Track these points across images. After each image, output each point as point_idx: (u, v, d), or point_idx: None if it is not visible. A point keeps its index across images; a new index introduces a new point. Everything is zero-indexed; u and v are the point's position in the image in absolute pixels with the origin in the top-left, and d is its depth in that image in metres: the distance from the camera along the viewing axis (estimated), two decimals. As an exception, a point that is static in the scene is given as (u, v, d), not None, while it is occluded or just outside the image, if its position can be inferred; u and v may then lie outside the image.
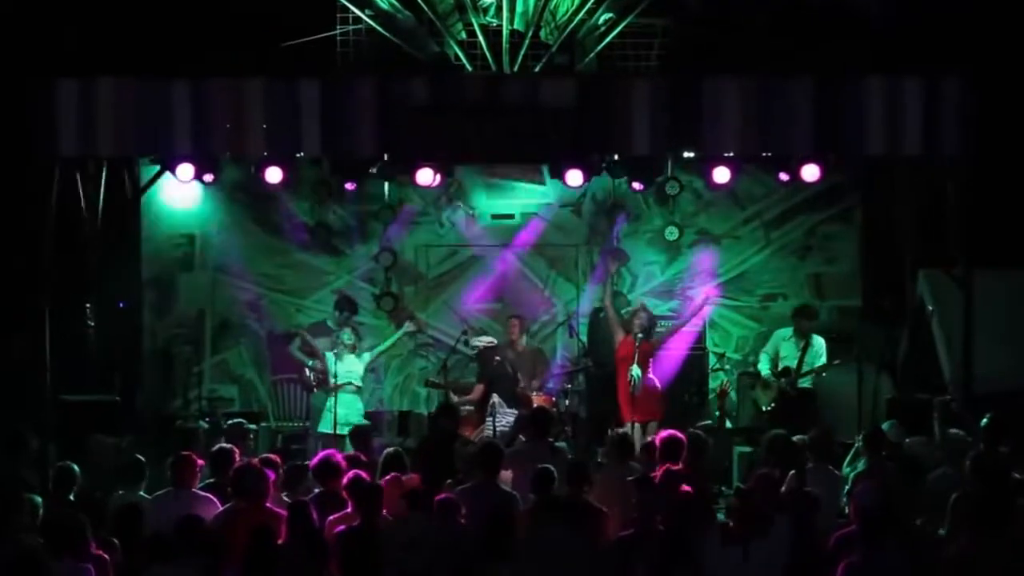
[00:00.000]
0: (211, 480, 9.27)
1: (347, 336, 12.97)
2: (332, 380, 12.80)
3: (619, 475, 9.31)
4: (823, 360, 13.08)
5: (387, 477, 8.94)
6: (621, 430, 11.28)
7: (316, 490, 9.12)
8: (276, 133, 11.99)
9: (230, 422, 11.52)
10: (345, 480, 8.57)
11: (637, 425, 12.41)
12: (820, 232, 14.70)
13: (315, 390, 13.22)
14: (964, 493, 8.00)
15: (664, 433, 9.53)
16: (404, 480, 9.01)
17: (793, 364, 12.95)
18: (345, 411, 12.69)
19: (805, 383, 12.92)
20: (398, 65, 12.93)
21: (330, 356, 13.02)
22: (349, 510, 8.43)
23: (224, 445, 9.59)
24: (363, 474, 8.65)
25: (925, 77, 11.96)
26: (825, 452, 9.63)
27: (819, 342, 13.14)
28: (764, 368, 13.17)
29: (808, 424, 11.68)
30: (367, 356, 13.17)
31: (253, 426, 11.87)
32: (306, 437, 13.39)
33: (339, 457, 9.14)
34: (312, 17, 13.20)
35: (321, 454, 9.31)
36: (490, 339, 13.33)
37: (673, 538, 7.76)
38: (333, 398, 12.73)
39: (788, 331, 13.31)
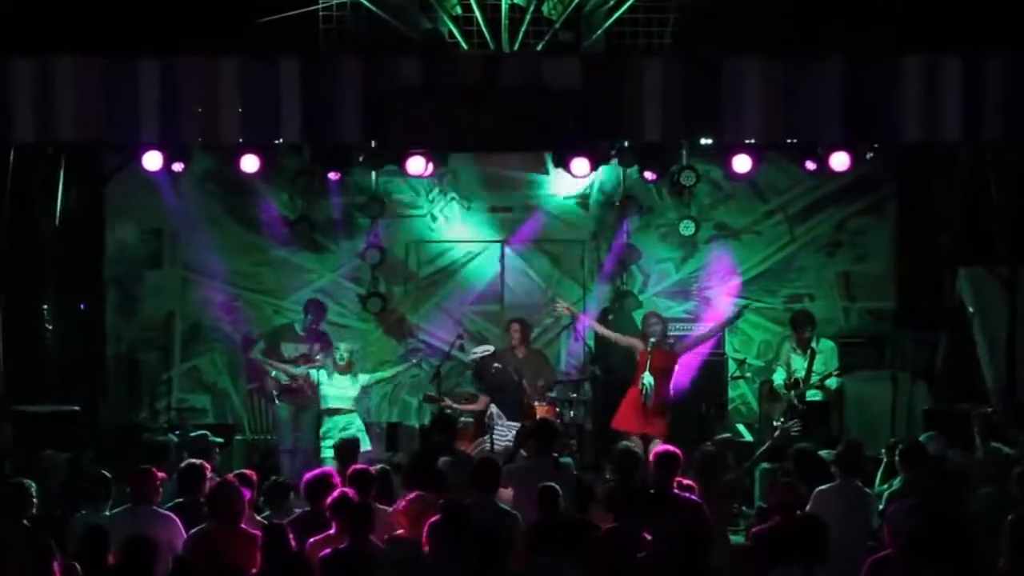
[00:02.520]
0: (179, 499, 9.24)
1: (341, 355, 12.95)
2: (323, 402, 12.85)
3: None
4: (834, 367, 12.99)
5: (411, 496, 8.90)
6: (626, 443, 11.26)
7: (298, 510, 9.10)
8: (253, 118, 11.98)
9: (192, 435, 11.51)
10: (330, 499, 8.53)
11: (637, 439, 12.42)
12: (850, 226, 14.69)
13: (276, 401, 13.27)
14: (1020, 515, 7.93)
15: (659, 448, 9.53)
16: (430, 498, 8.95)
17: (802, 375, 12.91)
18: (342, 434, 12.67)
19: (814, 395, 12.87)
20: (387, 43, 12.91)
21: (316, 373, 12.98)
22: (332, 532, 8.40)
23: (193, 460, 9.56)
24: (350, 492, 8.62)
25: (965, 57, 11.95)
26: (854, 467, 9.60)
27: (827, 347, 13.09)
28: (777, 379, 13.15)
29: (820, 438, 11.67)
30: (365, 378, 13.15)
31: (219, 439, 11.84)
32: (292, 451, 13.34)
33: (335, 476, 9.10)
34: (293, -10, 13.20)
35: (316, 471, 9.30)
36: (486, 347, 13.31)
37: (681, 561, 7.73)
38: (325, 419, 12.78)
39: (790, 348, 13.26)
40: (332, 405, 12.89)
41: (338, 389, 12.92)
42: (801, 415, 12.66)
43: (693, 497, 9.15)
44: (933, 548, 7.53)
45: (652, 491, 9.04)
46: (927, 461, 9.88)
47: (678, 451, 9.34)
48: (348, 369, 12.96)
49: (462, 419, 12.90)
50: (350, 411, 12.95)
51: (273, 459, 13.39)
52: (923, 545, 7.51)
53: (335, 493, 8.60)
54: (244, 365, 14.44)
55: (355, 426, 12.84)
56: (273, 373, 13.27)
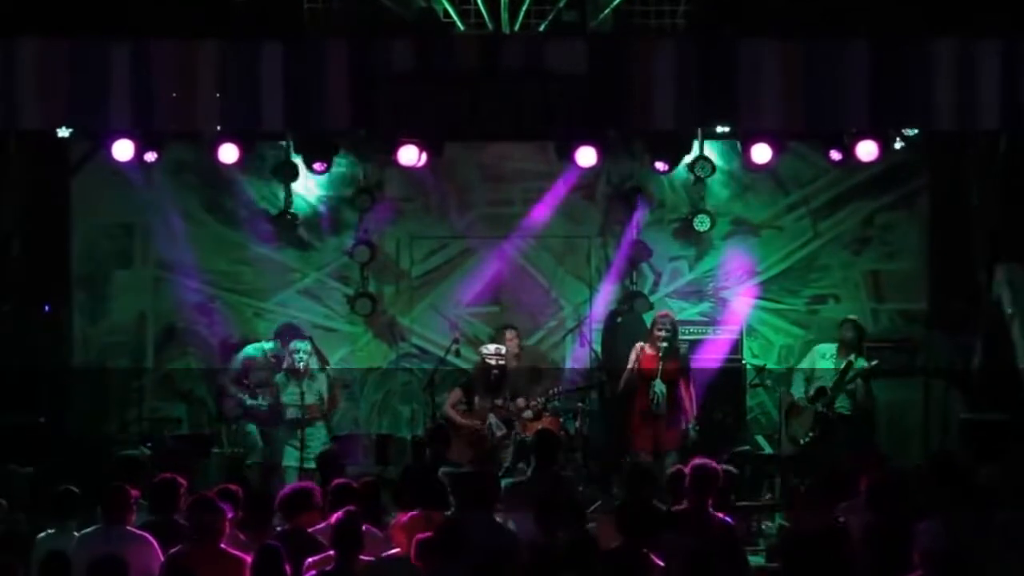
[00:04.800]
0: (152, 518, 9.31)
1: (299, 358, 13.06)
2: (290, 410, 12.93)
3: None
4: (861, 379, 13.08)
5: (413, 513, 9.00)
6: (639, 459, 11.37)
7: (279, 528, 9.18)
8: (232, 105, 12.07)
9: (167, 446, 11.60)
10: (335, 519, 8.54)
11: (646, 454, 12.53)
12: (879, 221, 14.75)
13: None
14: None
15: (696, 461, 9.61)
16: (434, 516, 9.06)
17: (828, 383, 12.98)
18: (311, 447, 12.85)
19: (843, 407, 12.95)
20: (376, 24, 12.98)
21: (280, 378, 13.12)
22: (333, 553, 8.44)
23: (166, 475, 9.63)
24: (353, 509, 8.68)
25: (1003, 38, 12.03)
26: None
27: (862, 366, 13.15)
28: (798, 391, 13.22)
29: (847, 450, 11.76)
30: (323, 380, 13.28)
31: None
32: (269, 466, 13.44)
33: (315, 489, 9.18)
34: (275, -33, 13.29)
35: (293, 485, 9.37)
36: (499, 347, 13.36)
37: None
38: (300, 431, 12.88)
39: (829, 348, 13.31)
40: (293, 415, 12.96)
41: (296, 397, 12.98)
42: (832, 426, 12.72)
43: (727, 518, 9.25)
44: (964, 570, 7.62)
45: (684, 510, 9.13)
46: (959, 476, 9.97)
47: (716, 466, 9.44)
48: (305, 374, 13.06)
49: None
50: (314, 420, 13.03)
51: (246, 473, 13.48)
52: (953, 567, 7.60)
53: (339, 514, 8.62)
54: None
55: (320, 438, 12.95)
56: (248, 402, 13.39)
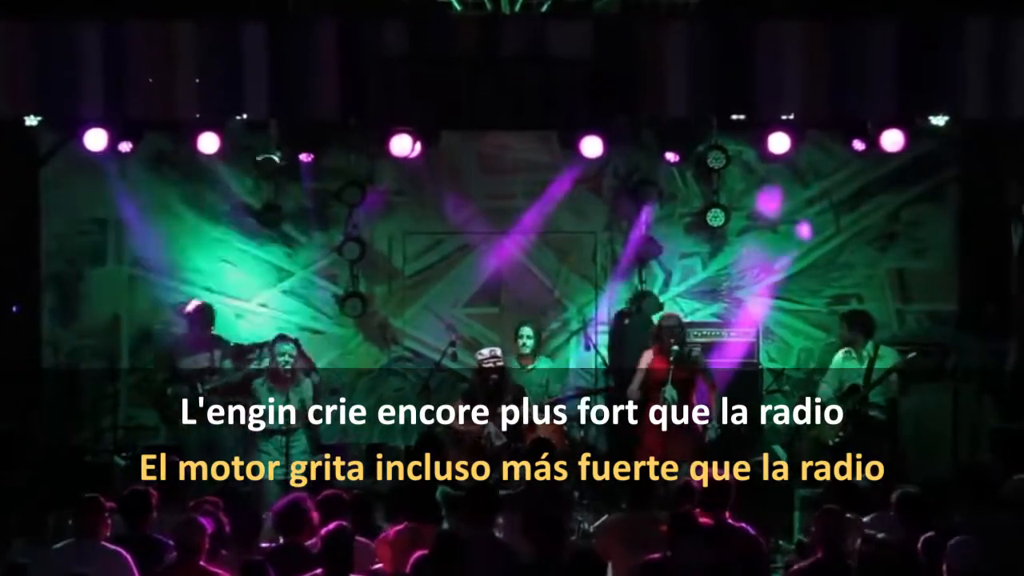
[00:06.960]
0: (124, 532, 9.31)
1: (285, 360, 13.00)
2: (269, 420, 12.78)
3: (642, 523, 9.44)
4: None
5: (399, 527, 9.01)
6: (643, 466, 11.36)
7: (265, 544, 9.18)
8: (212, 91, 12.08)
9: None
10: (324, 533, 8.55)
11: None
12: (905, 216, 14.75)
13: None
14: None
15: (711, 473, 9.64)
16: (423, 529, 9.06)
17: (859, 381, 12.97)
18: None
19: (877, 407, 12.92)
20: (368, 5, 13.00)
21: (259, 385, 13.07)
22: (320, 571, 8.45)
23: (137, 487, 9.63)
24: (344, 524, 8.69)
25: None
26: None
27: (887, 353, 13.13)
28: (827, 392, 13.14)
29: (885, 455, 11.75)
30: (308, 386, 13.22)
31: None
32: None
33: (309, 503, 9.19)
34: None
35: (287, 498, 9.38)
36: (493, 349, 13.31)
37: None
38: (284, 441, 12.81)
39: (842, 353, 13.29)
40: (273, 424, 12.71)
41: (280, 402, 12.77)
42: (865, 427, 12.69)
43: (749, 528, 9.28)
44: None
45: (706, 520, 9.16)
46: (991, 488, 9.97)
47: (728, 480, 9.47)
48: (292, 379, 13.03)
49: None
50: (295, 428, 12.97)
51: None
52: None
53: (331, 526, 8.62)
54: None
55: (301, 447, 12.92)
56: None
